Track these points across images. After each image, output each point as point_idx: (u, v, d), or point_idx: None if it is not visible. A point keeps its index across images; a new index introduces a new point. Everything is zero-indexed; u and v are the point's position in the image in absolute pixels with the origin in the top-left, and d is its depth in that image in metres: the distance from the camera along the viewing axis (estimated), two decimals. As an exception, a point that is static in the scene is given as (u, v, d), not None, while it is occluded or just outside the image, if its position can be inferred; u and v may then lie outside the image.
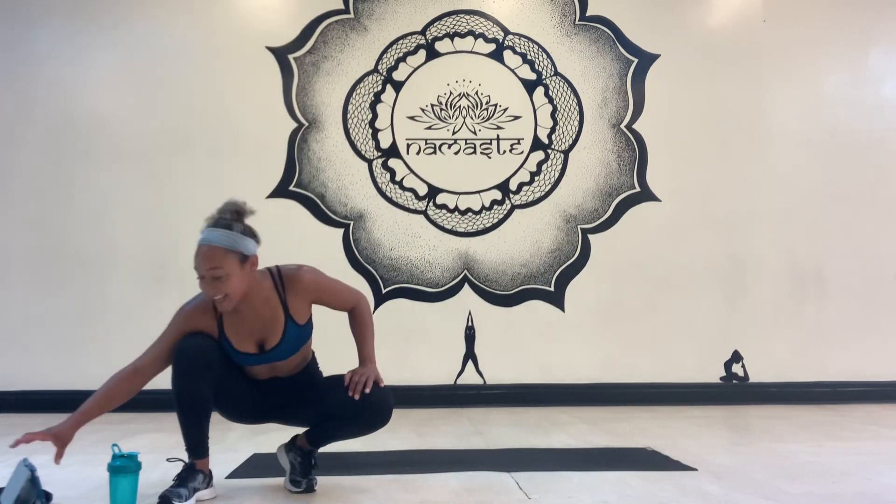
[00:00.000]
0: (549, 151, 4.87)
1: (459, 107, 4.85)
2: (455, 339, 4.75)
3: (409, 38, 4.88)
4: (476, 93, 4.86)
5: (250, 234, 2.28)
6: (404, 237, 4.78)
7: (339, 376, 2.35)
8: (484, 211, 4.82)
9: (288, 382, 2.45)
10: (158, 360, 2.29)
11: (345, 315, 2.47)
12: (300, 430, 2.50)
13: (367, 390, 2.24)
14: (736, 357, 4.81)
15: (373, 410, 2.30)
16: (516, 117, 4.86)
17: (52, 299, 4.66)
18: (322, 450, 2.50)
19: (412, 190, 4.81)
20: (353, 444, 2.82)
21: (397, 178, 4.81)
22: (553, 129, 4.88)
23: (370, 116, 4.83)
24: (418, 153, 4.82)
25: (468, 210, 4.82)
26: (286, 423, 2.52)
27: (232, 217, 2.27)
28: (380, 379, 2.29)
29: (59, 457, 2.17)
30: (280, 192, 4.75)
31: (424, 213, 4.81)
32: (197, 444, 2.30)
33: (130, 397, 2.28)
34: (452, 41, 4.89)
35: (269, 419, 2.50)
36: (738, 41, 4.95)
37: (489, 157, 4.84)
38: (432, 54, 4.88)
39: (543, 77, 4.90)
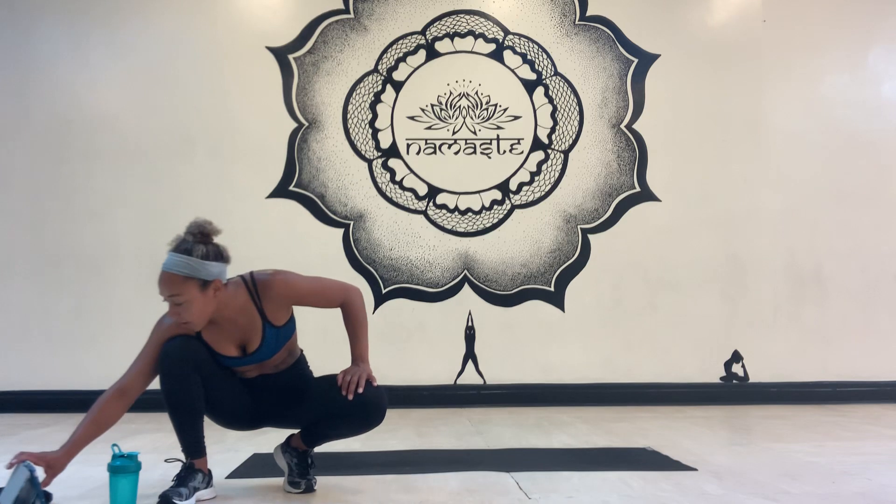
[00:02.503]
0: (549, 151, 4.87)
1: (459, 107, 4.85)
2: (455, 339, 4.75)
3: (409, 38, 4.87)
4: (476, 93, 4.86)
5: (214, 256, 2.19)
6: (404, 237, 4.78)
7: (331, 376, 2.32)
8: (484, 211, 4.82)
9: (278, 381, 2.42)
10: (142, 376, 2.26)
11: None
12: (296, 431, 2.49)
13: (360, 390, 2.21)
14: (736, 357, 4.81)
15: (366, 409, 2.27)
16: (516, 117, 4.86)
17: (52, 299, 4.67)
18: (321, 450, 2.50)
19: (412, 190, 4.81)
20: (353, 444, 2.82)
21: (397, 178, 4.81)
22: (553, 129, 4.87)
23: (370, 116, 4.83)
24: (418, 153, 4.82)
25: (468, 210, 4.82)
26: (280, 426, 2.50)
27: (195, 239, 2.19)
28: (372, 378, 2.26)
29: (46, 484, 2.12)
30: (280, 192, 4.76)
31: (424, 213, 4.81)
32: (192, 443, 2.28)
33: (119, 418, 2.25)
34: (452, 41, 4.89)
35: (263, 422, 2.47)
36: (738, 41, 4.95)
37: (489, 157, 4.84)
38: (432, 54, 4.88)
39: (543, 77, 4.90)
